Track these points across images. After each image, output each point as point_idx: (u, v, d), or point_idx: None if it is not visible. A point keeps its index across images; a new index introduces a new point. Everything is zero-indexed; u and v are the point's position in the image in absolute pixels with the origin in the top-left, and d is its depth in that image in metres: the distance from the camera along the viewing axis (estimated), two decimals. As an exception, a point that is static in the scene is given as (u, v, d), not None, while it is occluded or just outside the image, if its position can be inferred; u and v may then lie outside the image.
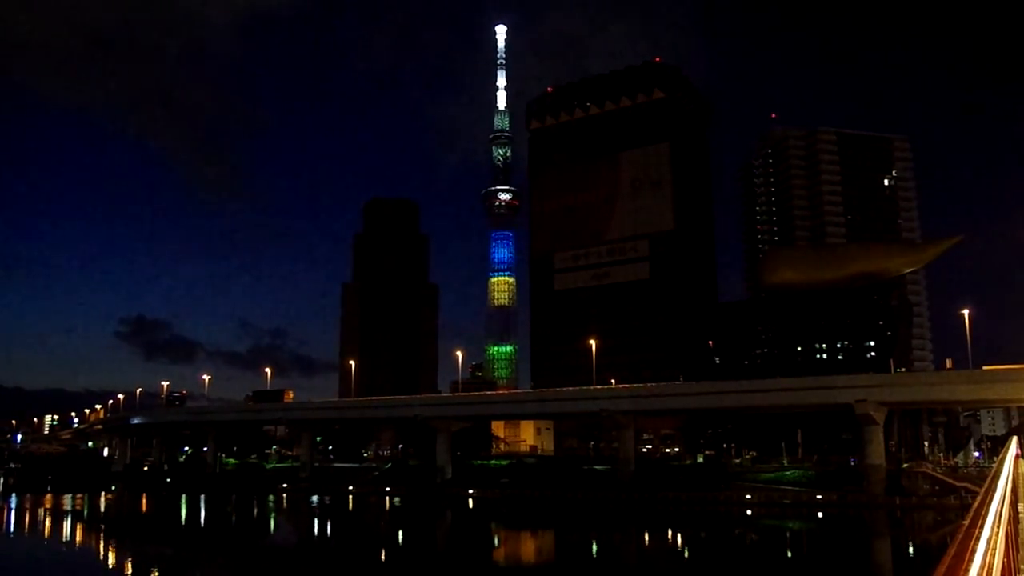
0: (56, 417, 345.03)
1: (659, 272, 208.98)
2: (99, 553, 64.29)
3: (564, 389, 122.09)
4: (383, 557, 62.79)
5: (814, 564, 58.79)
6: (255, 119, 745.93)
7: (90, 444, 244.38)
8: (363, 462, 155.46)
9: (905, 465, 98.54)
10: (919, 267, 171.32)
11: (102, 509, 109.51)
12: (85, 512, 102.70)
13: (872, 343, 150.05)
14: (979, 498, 22.76)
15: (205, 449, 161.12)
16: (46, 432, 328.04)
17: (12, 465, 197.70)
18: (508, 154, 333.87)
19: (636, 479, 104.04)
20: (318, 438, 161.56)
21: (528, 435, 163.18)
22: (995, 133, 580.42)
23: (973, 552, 9.87)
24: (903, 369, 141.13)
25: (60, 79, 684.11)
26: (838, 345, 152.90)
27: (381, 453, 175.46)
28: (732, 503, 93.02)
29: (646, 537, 76.37)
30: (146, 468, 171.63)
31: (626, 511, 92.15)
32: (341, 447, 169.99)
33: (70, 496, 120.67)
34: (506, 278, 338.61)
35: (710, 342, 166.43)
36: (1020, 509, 23.46)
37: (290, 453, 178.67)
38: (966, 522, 14.29)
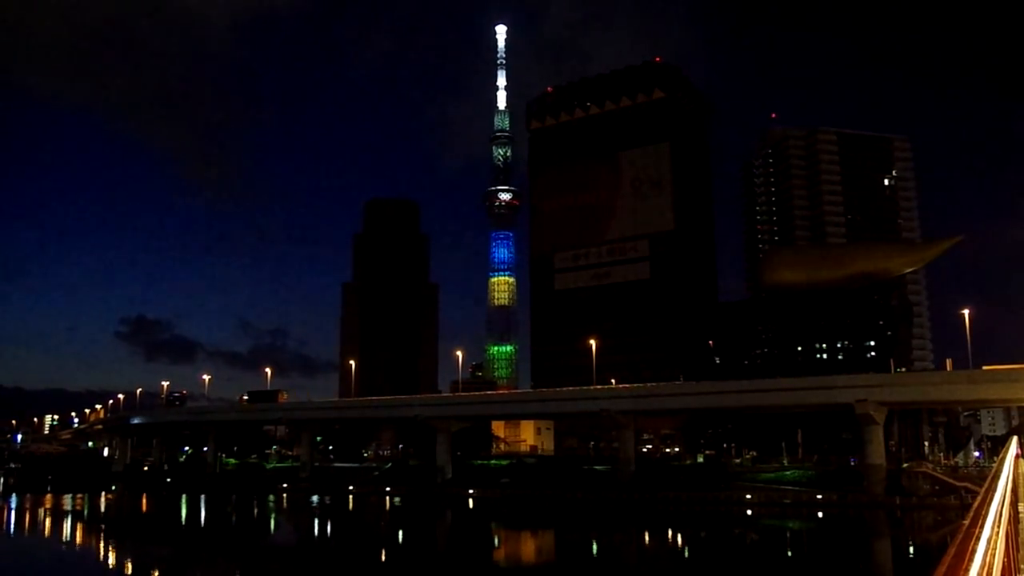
0: (56, 417, 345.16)
1: (659, 272, 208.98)
2: (99, 553, 64.29)
3: (564, 389, 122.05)
4: (383, 557, 62.79)
5: (814, 564, 58.78)
6: (255, 119, 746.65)
7: (90, 444, 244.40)
8: (363, 462, 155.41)
9: (905, 465, 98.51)
10: (919, 267, 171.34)
11: (102, 509, 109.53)
12: (85, 512, 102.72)
13: (872, 343, 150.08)
14: (979, 498, 22.76)
15: (205, 449, 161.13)
16: (46, 432, 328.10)
17: (12, 465, 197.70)
18: (508, 154, 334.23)
19: (636, 479, 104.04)
20: (318, 438, 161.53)
21: (528, 435, 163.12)
22: (995, 133, 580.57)
23: (973, 552, 9.87)
24: (903, 369, 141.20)
25: (60, 79, 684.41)
26: (838, 345, 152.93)
27: (381, 453, 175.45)
28: (732, 503, 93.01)
29: (646, 537, 76.37)
30: (146, 468, 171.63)
31: (626, 511, 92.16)
32: (341, 447, 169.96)
33: (70, 496, 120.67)
34: (506, 278, 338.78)
35: (710, 342, 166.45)
36: (1020, 509, 23.46)
37: (290, 453, 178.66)
38: (966, 522, 14.29)
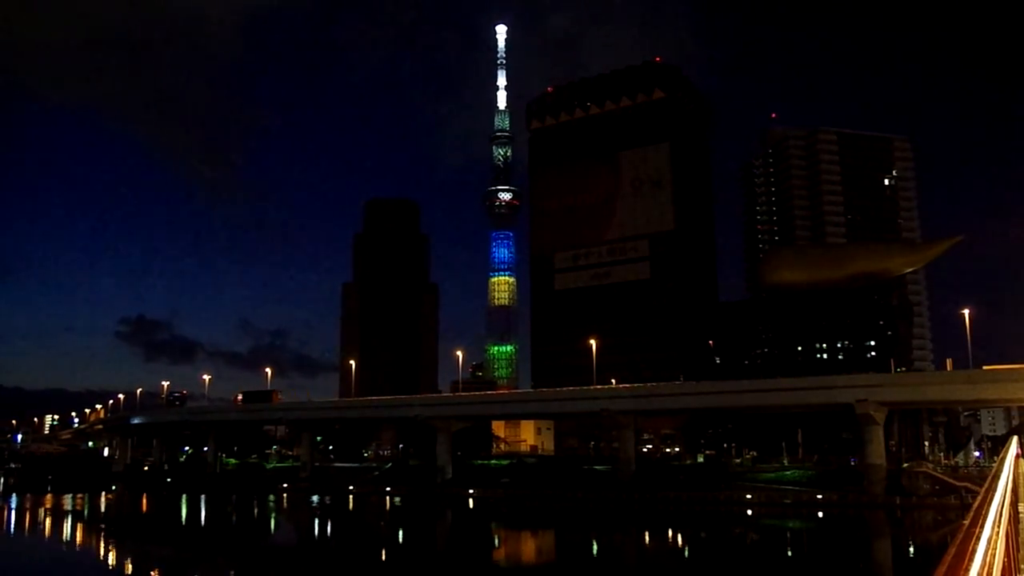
0: (56, 417, 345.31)
1: (659, 272, 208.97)
2: (99, 553, 64.30)
3: (564, 389, 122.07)
4: (383, 557, 62.80)
5: (814, 564, 58.78)
6: (255, 119, 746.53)
7: (90, 444, 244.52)
8: (363, 462, 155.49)
9: (905, 465, 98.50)
10: (919, 267, 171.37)
11: (102, 509, 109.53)
12: (85, 512, 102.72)
13: (872, 343, 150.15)
14: (979, 498, 22.77)
15: (205, 449, 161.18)
16: (46, 432, 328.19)
17: (12, 465, 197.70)
18: (508, 154, 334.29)
19: (636, 479, 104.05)
20: (318, 438, 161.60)
21: (528, 435, 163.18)
22: (995, 133, 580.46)
23: (973, 552, 9.88)
24: (903, 369, 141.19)
25: (60, 79, 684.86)
26: (838, 345, 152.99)
27: (381, 453, 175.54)
28: (732, 503, 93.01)
29: (646, 537, 76.37)
30: (146, 468, 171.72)
31: (626, 511, 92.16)
32: (341, 447, 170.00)
33: (70, 496, 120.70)
34: (506, 278, 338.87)
35: (710, 342, 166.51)
36: (1020, 509, 23.47)
37: (290, 453, 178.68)
38: (966, 522, 14.30)
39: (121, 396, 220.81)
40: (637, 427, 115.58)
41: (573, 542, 71.96)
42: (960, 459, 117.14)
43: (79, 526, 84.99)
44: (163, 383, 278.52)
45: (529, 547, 71.86)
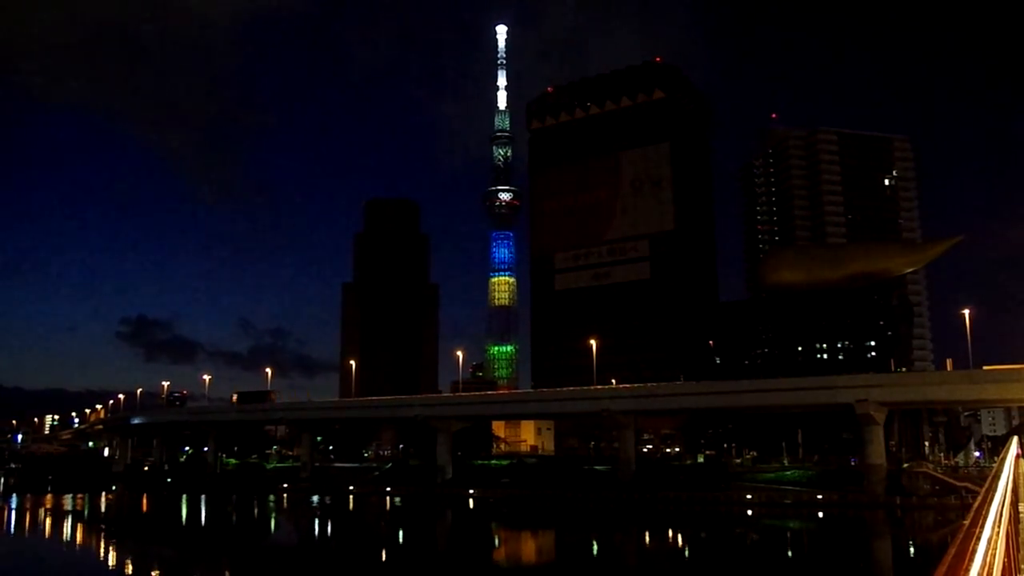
0: (56, 417, 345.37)
1: (659, 272, 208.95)
2: (100, 553, 64.31)
3: (565, 389, 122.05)
4: (384, 557, 62.82)
5: (814, 564, 58.79)
6: (255, 119, 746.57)
7: (90, 444, 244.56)
8: (364, 462, 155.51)
9: (906, 465, 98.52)
10: (919, 267, 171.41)
11: (102, 509, 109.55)
12: (85, 512, 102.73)
13: (872, 343, 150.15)
14: (980, 498, 22.78)
15: (206, 449, 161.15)
16: (46, 432, 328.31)
17: (12, 465, 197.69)
18: (508, 154, 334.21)
19: (637, 479, 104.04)
20: (319, 438, 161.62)
21: (529, 435, 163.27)
22: (995, 133, 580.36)
23: (974, 552, 9.89)
24: (903, 369, 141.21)
25: (60, 79, 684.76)
26: (838, 345, 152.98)
27: (382, 453, 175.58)
28: (733, 503, 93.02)
29: (647, 537, 76.37)
30: (146, 468, 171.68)
31: (626, 511, 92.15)
32: (342, 447, 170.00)
33: (70, 496, 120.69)
34: (506, 278, 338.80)
35: (710, 342, 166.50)
36: (1020, 509, 23.47)
37: (291, 453, 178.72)
38: (967, 522, 14.31)
39: (121, 396, 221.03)
40: (637, 427, 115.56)
41: (573, 542, 71.95)
42: (960, 459, 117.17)
43: (79, 526, 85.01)
44: (163, 383, 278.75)
45: (529, 547, 71.87)
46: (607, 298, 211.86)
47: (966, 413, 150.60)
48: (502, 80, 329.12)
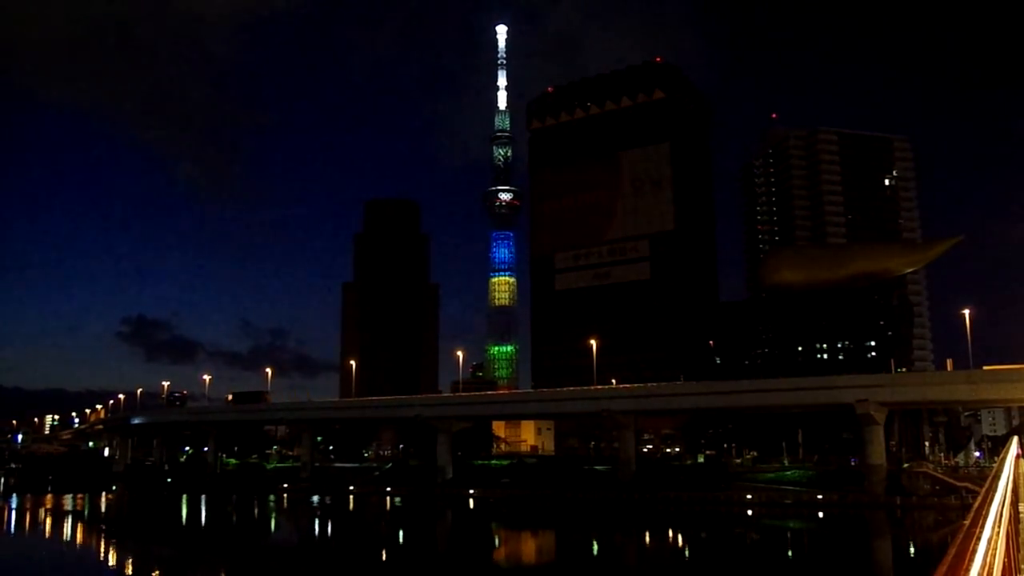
0: (56, 417, 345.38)
1: (660, 272, 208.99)
2: (100, 553, 64.33)
3: (565, 389, 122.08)
4: (384, 557, 62.82)
5: (815, 564, 58.79)
6: (255, 119, 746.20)
7: (91, 444, 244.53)
8: (364, 462, 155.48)
9: (906, 465, 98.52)
10: (919, 267, 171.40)
11: (103, 509, 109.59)
12: (86, 512, 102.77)
13: (873, 343, 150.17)
14: (980, 498, 22.78)
15: (206, 449, 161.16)
16: (47, 432, 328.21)
17: (13, 465, 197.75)
18: (508, 154, 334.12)
19: (637, 479, 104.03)
20: (319, 438, 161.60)
21: (529, 435, 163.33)
22: (995, 133, 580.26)
23: (974, 552, 9.89)
24: (904, 369, 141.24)
25: (60, 79, 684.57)
26: (839, 345, 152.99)
27: (382, 453, 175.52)
28: (733, 503, 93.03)
29: (647, 537, 76.38)
30: (147, 468, 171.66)
31: (627, 511, 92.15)
32: (342, 447, 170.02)
33: (71, 496, 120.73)
34: (507, 278, 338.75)
35: (711, 342, 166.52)
36: (1021, 509, 23.46)
37: (291, 453, 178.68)
38: (967, 522, 14.31)
39: (121, 396, 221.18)
40: (637, 427, 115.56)
41: (573, 542, 71.95)
42: (960, 459, 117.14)
43: (79, 526, 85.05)
44: (163, 383, 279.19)
45: (529, 547, 71.89)
46: (607, 298, 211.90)
47: (966, 413, 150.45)
48: (502, 80, 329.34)
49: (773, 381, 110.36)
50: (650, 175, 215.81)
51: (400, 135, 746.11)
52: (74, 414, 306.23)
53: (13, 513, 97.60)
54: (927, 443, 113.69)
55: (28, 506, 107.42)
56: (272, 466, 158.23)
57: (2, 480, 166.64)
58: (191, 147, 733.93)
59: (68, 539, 72.71)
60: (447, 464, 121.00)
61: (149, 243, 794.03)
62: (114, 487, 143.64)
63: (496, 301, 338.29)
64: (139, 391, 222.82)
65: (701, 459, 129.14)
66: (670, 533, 77.98)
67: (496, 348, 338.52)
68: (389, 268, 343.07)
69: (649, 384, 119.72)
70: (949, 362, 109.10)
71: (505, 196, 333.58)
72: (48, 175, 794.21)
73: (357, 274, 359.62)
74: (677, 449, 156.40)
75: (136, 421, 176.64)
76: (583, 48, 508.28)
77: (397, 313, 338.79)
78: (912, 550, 64.52)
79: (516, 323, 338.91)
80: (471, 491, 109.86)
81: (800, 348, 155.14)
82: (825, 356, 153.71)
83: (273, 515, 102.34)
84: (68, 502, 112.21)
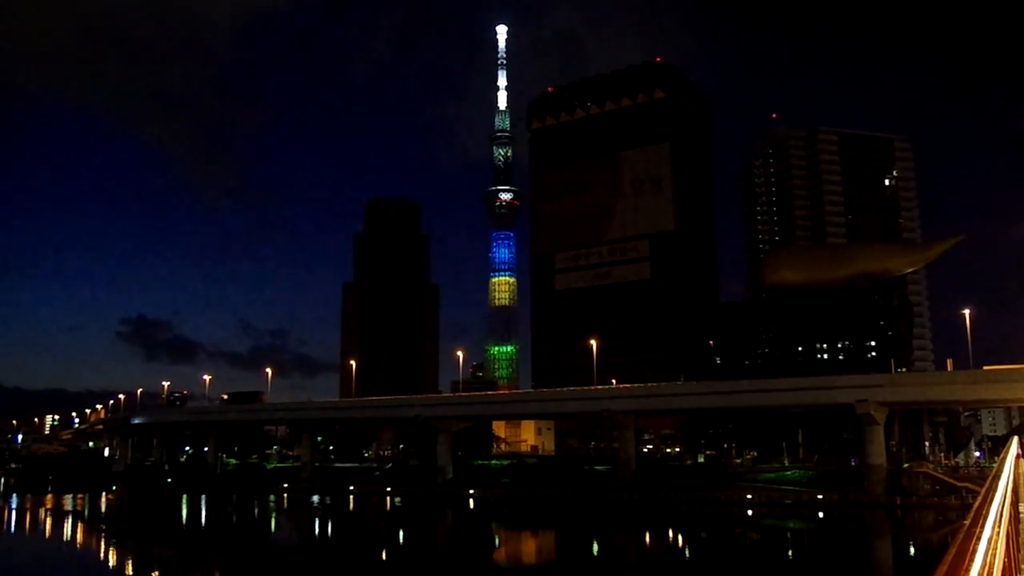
0: (56, 417, 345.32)
1: (660, 272, 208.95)
2: (100, 553, 64.33)
3: (565, 389, 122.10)
4: (384, 557, 62.82)
5: (815, 564, 58.80)
6: (255, 119, 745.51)
7: (91, 444, 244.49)
8: (364, 462, 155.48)
9: (906, 465, 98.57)
10: (920, 267, 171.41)
11: (103, 509, 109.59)
12: (86, 512, 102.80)
13: (873, 343, 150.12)
14: (980, 498, 22.79)
15: (206, 449, 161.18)
16: (47, 432, 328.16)
17: (13, 465, 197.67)
18: (509, 154, 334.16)
19: (637, 479, 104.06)
20: (319, 438, 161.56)
21: (529, 435, 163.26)
22: (995, 133, 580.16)
23: (974, 552, 9.90)
24: (904, 369, 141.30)
25: (60, 79, 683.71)
26: (839, 345, 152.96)
27: (382, 453, 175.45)
28: (733, 503, 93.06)
29: (647, 537, 76.39)
30: (147, 468, 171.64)
31: (627, 511, 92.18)
32: (342, 447, 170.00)
33: (71, 496, 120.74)
34: (507, 278, 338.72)
35: (711, 342, 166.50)
36: (1021, 509, 23.47)
37: (291, 453, 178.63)
38: (967, 522, 14.32)
39: (121, 396, 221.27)
40: (637, 427, 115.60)
41: (573, 542, 71.97)
42: (960, 459, 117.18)
43: (79, 526, 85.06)
44: (163, 383, 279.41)
45: (529, 547, 71.90)
46: (607, 298, 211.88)
47: (966, 413, 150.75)
48: (502, 80, 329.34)
49: (773, 381, 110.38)
50: (650, 175, 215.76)
51: (400, 135, 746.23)
52: (74, 414, 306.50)
53: (13, 513, 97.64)
54: (927, 443, 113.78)
55: (28, 506, 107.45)
56: (272, 466, 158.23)
57: (2, 480, 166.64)
58: (191, 147, 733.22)
59: (68, 539, 72.71)
60: (447, 464, 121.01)
61: (149, 243, 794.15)
62: (114, 487, 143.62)
63: (496, 301, 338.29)
64: (139, 391, 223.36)
65: (701, 459, 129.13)
66: (670, 533, 77.98)
67: (496, 348, 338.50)
68: (389, 268, 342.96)
69: (649, 384, 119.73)
70: (949, 362, 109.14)
71: (505, 196, 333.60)
72: (48, 175, 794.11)
73: (357, 274, 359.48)
74: (677, 449, 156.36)
75: (136, 421, 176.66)
76: (583, 48, 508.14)
77: (397, 313, 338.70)
78: (912, 550, 64.53)
79: (516, 323, 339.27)
80: (471, 491, 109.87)
81: (800, 348, 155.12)
82: (825, 356, 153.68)
83: (273, 515, 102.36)
84: (68, 502, 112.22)
